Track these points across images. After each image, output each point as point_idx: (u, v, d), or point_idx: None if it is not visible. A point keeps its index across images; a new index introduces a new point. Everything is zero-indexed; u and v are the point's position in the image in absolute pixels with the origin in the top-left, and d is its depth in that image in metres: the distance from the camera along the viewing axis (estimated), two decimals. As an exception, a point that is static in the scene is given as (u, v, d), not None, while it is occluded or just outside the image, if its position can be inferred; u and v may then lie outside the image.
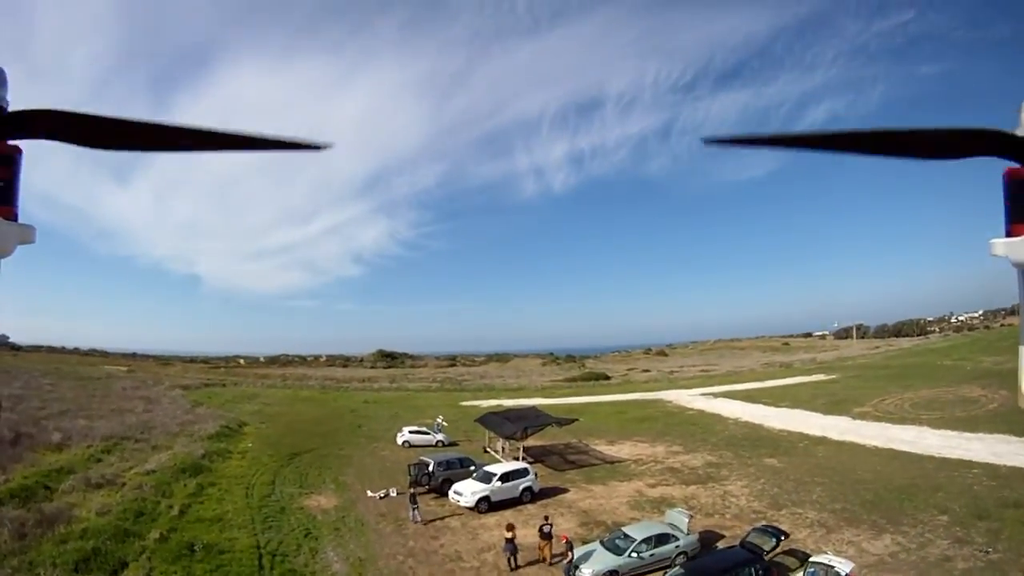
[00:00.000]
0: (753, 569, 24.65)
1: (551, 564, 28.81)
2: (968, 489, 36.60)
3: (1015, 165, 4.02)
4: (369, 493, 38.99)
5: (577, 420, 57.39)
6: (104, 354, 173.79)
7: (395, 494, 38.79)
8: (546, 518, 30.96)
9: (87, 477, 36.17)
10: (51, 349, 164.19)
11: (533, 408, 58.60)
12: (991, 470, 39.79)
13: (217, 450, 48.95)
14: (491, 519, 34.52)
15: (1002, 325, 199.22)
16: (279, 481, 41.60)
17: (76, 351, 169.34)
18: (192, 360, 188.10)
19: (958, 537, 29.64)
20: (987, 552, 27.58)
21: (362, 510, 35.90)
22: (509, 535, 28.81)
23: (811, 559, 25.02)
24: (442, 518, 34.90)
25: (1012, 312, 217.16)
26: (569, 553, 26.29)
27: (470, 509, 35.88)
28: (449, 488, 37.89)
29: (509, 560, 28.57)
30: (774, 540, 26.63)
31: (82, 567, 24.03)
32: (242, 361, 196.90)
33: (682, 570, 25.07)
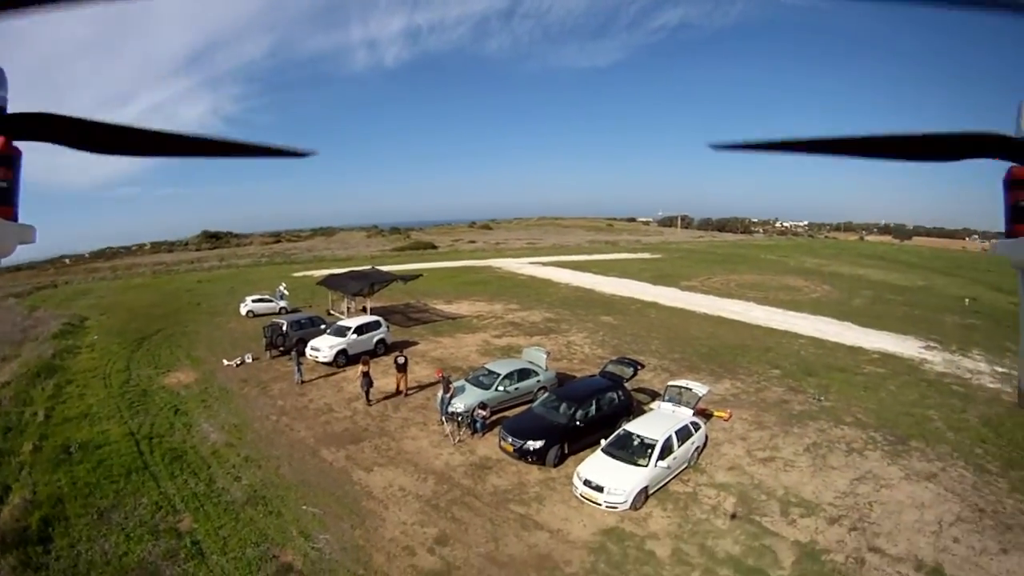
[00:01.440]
0: (616, 393, 27.02)
1: (406, 395, 31.58)
2: (796, 353, 40.52)
3: (1014, 165, 4.18)
4: (225, 362, 38.88)
5: (421, 276, 58.71)
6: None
7: (250, 360, 39.09)
8: (400, 351, 34.58)
9: (-65, 410, 33.33)
10: None
11: (374, 268, 59.15)
12: (816, 342, 43.89)
13: (65, 348, 46.44)
14: (351, 372, 35.26)
15: (826, 236, 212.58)
16: (133, 366, 40.45)
17: None
18: (18, 268, 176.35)
19: (791, 387, 33.39)
20: (820, 400, 31.39)
21: (223, 379, 35.90)
22: (365, 368, 30.80)
23: (669, 383, 27.59)
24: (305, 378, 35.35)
25: (837, 228, 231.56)
26: (451, 387, 27.59)
27: (328, 364, 36.83)
28: (304, 348, 38.34)
29: (366, 393, 30.66)
30: (632, 369, 28.78)
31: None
32: (67, 260, 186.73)
33: (552, 395, 26.96)
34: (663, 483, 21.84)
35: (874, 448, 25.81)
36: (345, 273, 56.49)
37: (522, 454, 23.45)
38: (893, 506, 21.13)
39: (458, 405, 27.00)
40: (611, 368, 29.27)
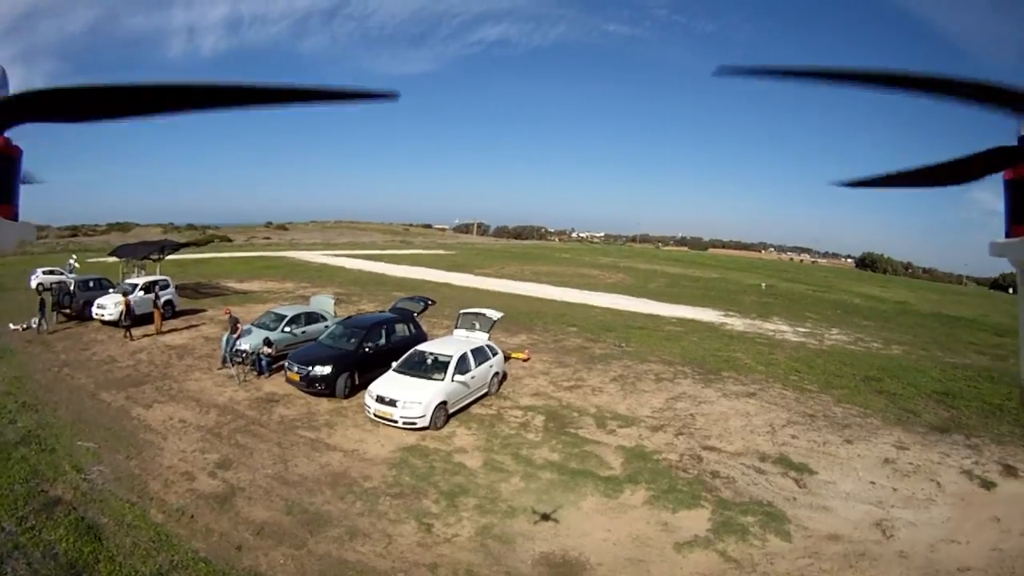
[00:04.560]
0: (408, 327, 27.21)
1: (161, 333, 33.91)
2: (593, 317, 41.97)
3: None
4: (11, 326, 37.09)
5: (213, 241, 57.95)
6: None
7: (35, 325, 37.75)
8: (157, 289, 36.58)
9: None
10: None
11: (166, 238, 59.21)
12: (612, 311, 45.85)
13: None
14: (136, 331, 34.62)
15: (622, 245, 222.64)
16: (-83, 334, 38.26)
17: None
18: None
19: (590, 338, 34.40)
20: (621, 346, 32.62)
21: (7, 341, 34.25)
22: (128, 300, 33.32)
23: (461, 311, 27.76)
24: (89, 338, 34.46)
25: (633, 239, 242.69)
26: (239, 327, 27.25)
27: (114, 323, 35.70)
28: (90, 310, 37.54)
29: (127, 327, 32.76)
30: (422, 304, 29.57)
31: None
32: None
33: (340, 326, 26.57)
34: (463, 403, 21.32)
35: (684, 377, 26.70)
36: (136, 243, 56.14)
37: (310, 382, 22.52)
38: (716, 416, 21.79)
39: (244, 344, 26.23)
40: (402, 304, 29.79)
